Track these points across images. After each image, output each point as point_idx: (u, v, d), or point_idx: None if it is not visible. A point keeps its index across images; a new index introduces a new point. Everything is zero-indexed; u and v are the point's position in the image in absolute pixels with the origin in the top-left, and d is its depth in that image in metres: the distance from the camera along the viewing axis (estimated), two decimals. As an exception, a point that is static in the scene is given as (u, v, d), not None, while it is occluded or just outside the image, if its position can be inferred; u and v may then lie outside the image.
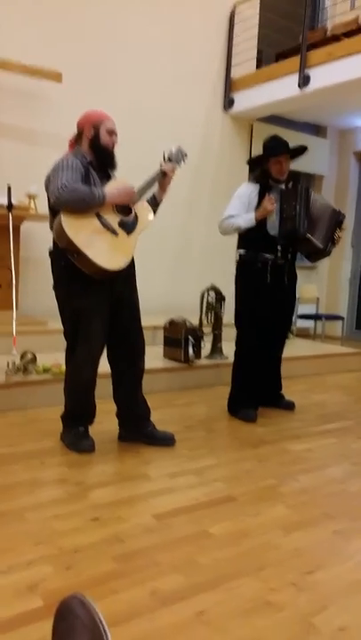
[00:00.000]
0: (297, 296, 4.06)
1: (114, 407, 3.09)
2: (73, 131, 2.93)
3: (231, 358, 3.84)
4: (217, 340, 4.78)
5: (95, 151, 2.85)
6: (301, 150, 3.60)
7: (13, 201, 4.23)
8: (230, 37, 6.61)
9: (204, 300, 4.81)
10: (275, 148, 3.54)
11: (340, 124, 7.75)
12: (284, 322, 3.86)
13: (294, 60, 5.90)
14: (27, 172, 4.80)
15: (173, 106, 6.23)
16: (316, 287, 7.47)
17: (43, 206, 3.86)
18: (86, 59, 5.55)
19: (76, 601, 1.35)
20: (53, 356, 3.85)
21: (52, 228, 2.78)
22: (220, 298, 4.77)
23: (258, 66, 6.75)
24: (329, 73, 5.60)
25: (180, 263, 6.49)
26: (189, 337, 4.49)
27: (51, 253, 2.88)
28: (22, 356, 3.80)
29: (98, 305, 2.83)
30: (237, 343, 3.73)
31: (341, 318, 7.31)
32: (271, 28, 6.97)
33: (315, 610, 1.69)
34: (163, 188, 3.09)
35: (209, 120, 6.65)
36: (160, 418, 3.31)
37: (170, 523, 2.20)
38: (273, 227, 3.52)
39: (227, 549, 2.02)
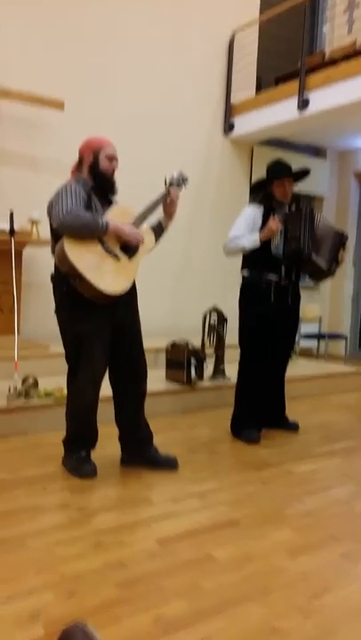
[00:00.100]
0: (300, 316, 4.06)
1: (116, 431, 3.07)
2: (74, 157, 2.96)
3: (234, 380, 3.82)
4: (219, 361, 4.77)
5: (94, 177, 2.87)
6: (304, 174, 3.64)
7: (16, 226, 4.27)
8: (230, 63, 6.72)
9: (207, 322, 4.81)
10: (279, 171, 3.59)
11: (339, 145, 7.83)
12: (288, 342, 3.86)
13: (293, 84, 5.99)
14: (29, 198, 4.84)
15: (174, 130, 6.30)
16: (318, 306, 7.47)
17: (45, 232, 3.89)
18: (88, 87, 5.63)
19: (77, 630, 1.33)
20: (55, 379, 3.84)
21: (53, 253, 2.79)
22: (222, 319, 4.76)
23: (257, 90, 6.85)
24: (328, 96, 5.68)
25: (181, 285, 6.51)
26: (192, 359, 4.48)
27: (52, 278, 2.90)
28: (24, 381, 3.79)
29: (99, 329, 2.84)
30: (241, 363, 3.73)
31: (344, 337, 7.30)
32: (270, 53, 7.08)
33: (323, 635, 1.66)
34: (169, 215, 3.10)
35: (209, 144, 6.72)
36: (163, 441, 3.29)
37: (173, 547, 2.17)
38: (277, 248, 3.54)
39: (231, 574, 1.99)
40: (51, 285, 2.92)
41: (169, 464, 3.05)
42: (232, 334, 4.54)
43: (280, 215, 3.55)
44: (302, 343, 7.02)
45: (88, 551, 2.12)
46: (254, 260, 3.61)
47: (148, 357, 3.11)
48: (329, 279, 3.95)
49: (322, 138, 7.46)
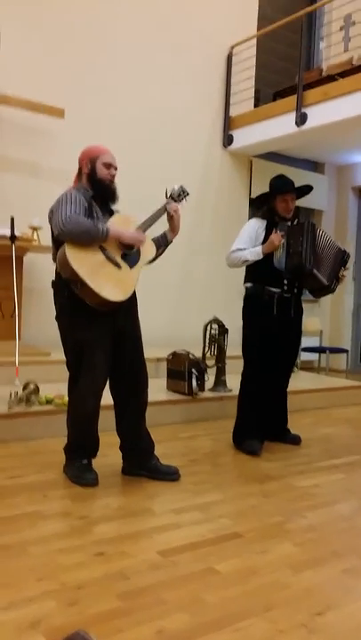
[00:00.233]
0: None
1: (117, 440, 3.05)
2: (75, 164, 2.97)
3: (235, 391, 3.81)
4: (221, 372, 4.75)
5: (93, 185, 2.87)
6: (307, 190, 3.66)
7: (17, 232, 4.28)
8: (228, 77, 6.78)
9: (207, 333, 4.80)
10: (282, 186, 3.60)
11: (337, 160, 7.88)
12: (291, 354, 3.87)
13: (291, 100, 6.05)
14: (30, 205, 4.85)
15: (174, 143, 6.34)
16: (319, 320, 7.47)
17: (45, 238, 3.89)
18: (89, 95, 5.67)
19: (79, 638, 1.31)
20: (56, 386, 3.83)
21: (54, 259, 2.79)
22: (223, 330, 4.76)
23: (256, 105, 6.93)
24: (325, 111, 5.74)
25: (182, 296, 6.51)
26: (193, 369, 4.46)
27: (54, 284, 2.89)
28: (25, 387, 3.77)
29: (100, 337, 2.83)
30: (244, 374, 3.73)
31: (346, 351, 7.29)
32: (268, 68, 7.16)
33: (326, 652, 1.64)
34: (173, 229, 3.12)
35: (209, 157, 6.76)
36: (164, 451, 3.27)
37: (175, 559, 2.15)
38: (279, 261, 3.55)
39: (234, 588, 1.97)
40: (52, 291, 2.91)
41: (170, 475, 3.03)
42: (233, 345, 4.54)
43: (282, 229, 3.56)
44: (303, 356, 7.02)
45: (89, 560, 2.10)
46: (257, 273, 3.64)
47: (149, 367, 3.10)
48: (329, 295, 3.96)
49: (320, 153, 7.53)
